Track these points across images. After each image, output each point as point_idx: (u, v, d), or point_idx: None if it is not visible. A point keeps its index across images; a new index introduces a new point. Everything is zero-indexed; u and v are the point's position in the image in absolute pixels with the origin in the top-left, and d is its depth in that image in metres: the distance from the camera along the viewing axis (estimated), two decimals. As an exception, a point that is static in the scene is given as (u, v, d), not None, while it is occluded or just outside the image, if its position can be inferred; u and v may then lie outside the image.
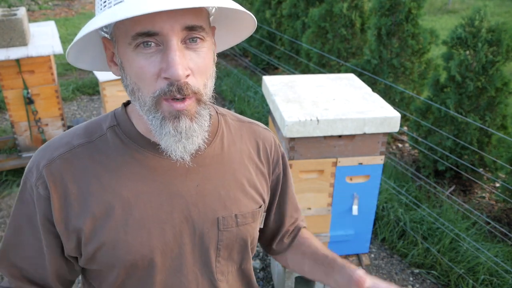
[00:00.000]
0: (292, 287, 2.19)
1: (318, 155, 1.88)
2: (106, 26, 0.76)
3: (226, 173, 0.88)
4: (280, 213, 1.05)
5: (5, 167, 3.44)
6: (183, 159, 0.77)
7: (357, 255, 2.13)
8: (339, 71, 4.34)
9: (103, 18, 0.67)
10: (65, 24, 8.60)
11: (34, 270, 0.85)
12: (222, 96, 5.24)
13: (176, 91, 0.70)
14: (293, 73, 4.94)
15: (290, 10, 5.08)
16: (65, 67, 6.14)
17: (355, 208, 1.98)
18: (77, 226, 0.78)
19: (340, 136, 1.85)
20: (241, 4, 6.09)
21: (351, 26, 4.26)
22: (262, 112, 4.51)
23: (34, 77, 3.27)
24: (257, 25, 0.82)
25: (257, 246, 2.85)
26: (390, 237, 2.86)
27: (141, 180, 0.81)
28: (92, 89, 5.40)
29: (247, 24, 0.84)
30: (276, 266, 2.37)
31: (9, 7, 8.86)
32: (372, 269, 2.69)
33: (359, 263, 2.11)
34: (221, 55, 6.30)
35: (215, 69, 0.80)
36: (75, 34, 7.77)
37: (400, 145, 4.09)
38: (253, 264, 2.69)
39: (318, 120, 1.77)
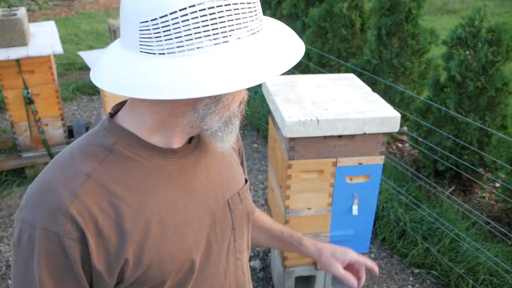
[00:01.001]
0: (292, 287, 2.19)
1: (318, 155, 1.88)
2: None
3: (218, 157, 0.91)
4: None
5: (5, 167, 3.44)
6: (227, 148, 0.80)
7: (357, 255, 2.13)
8: (339, 71, 4.34)
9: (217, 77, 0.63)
10: (65, 24, 8.60)
11: None
12: (222, 96, 5.24)
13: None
14: (293, 73, 4.94)
15: (290, 10, 5.08)
16: (65, 67, 6.14)
17: (355, 208, 1.98)
18: (120, 258, 0.72)
19: (340, 136, 1.85)
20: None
21: (351, 26, 4.26)
22: (262, 112, 4.51)
23: (34, 77, 3.27)
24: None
25: (257, 246, 2.86)
26: (390, 237, 2.86)
27: (162, 187, 0.78)
28: (92, 89, 5.40)
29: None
30: (276, 266, 2.37)
31: (9, 7, 8.86)
32: (372, 269, 2.69)
33: (359, 263, 2.12)
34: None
35: None
36: (75, 34, 7.78)
37: (400, 145, 4.09)
38: (253, 264, 2.69)
39: (318, 120, 1.77)
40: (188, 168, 0.83)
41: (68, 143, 3.57)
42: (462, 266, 2.53)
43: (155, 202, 0.77)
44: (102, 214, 0.71)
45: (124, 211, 0.73)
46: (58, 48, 3.24)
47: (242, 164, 1.08)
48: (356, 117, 1.80)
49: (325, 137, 1.84)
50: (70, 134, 3.73)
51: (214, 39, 0.63)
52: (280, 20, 5.47)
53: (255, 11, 0.67)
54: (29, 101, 3.29)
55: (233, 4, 0.63)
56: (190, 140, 0.85)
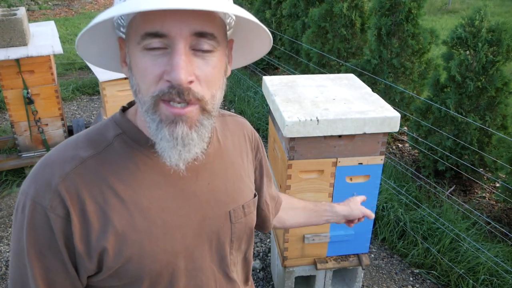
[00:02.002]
0: (292, 287, 2.19)
1: (318, 155, 1.88)
2: (123, 26, 0.75)
3: (227, 166, 0.90)
4: (269, 192, 1.12)
5: (5, 167, 3.44)
6: (178, 167, 0.75)
7: (357, 255, 2.13)
8: (339, 71, 4.34)
9: (113, 9, 0.64)
10: (65, 24, 8.60)
11: None
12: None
13: (175, 94, 0.68)
14: (293, 73, 4.94)
15: (290, 10, 5.08)
16: (65, 67, 6.14)
17: (355, 208, 1.98)
18: (100, 245, 0.73)
19: (340, 136, 1.85)
20: (240, 4, 6.09)
21: (351, 26, 4.26)
22: (262, 112, 4.51)
23: (34, 77, 3.27)
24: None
25: (257, 246, 2.85)
26: (390, 237, 2.86)
27: (157, 186, 0.79)
28: (92, 89, 5.40)
29: (262, 42, 0.83)
30: (276, 266, 2.37)
31: (9, 7, 8.86)
32: (372, 269, 2.69)
33: (359, 263, 2.12)
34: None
35: (225, 81, 0.78)
36: (75, 34, 7.77)
37: (400, 145, 4.09)
38: (253, 264, 2.69)
39: (318, 120, 1.77)
40: (189, 172, 0.82)
41: (68, 143, 3.56)
42: (462, 266, 2.53)
43: (146, 198, 0.77)
44: (90, 198, 0.73)
45: (112, 200, 0.75)
46: (58, 48, 3.24)
47: (262, 178, 1.06)
48: (356, 117, 1.79)
49: (325, 137, 1.84)
50: (70, 134, 3.73)
51: None
52: (280, 20, 5.48)
53: None
54: (29, 101, 3.29)
55: None
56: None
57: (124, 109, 0.84)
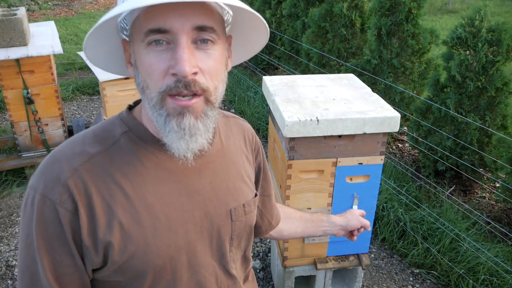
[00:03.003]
0: (292, 287, 2.19)
1: (318, 155, 1.88)
2: (126, 29, 0.78)
3: (229, 166, 0.92)
4: (265, 197, 1.13)
5: (5, 167, 3.44)
6: (186, 158, 0.78)
7: (357, 255, 2.13)
8: (339, 71, 4.34)
9: (119, 7, 0.67)
10: (65, 24, 8.60)
11: None
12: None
13: (183, 87, 0.71)
14: (293, 73, 4.94)
15: (290, 10, 5.08)
16: (65, 67, 6.14)
17: (355, 208, 1.97)
18: (106, 239, 0.75)
19: (340, 136, 1.85)
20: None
21: (351, 26, 4.26)
22: (262, 112, 4.50)
23: (34, 77, 3.26)
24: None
25: (257, 246, 2.86)
26: (390, 237, 2.86)
27: (162, 182, 0.81)
28: (92, 89, 5.40)
29: (259, 35, 0.87)
30: (276, 266, 2.37)
31: (9, 7, 8.86)
32: (372, 269, 2.69)
33: (359, 263, 2.11)
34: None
35: (226, 74, 0.81)
36: (75, 34, 7.77)
37: (400, 145, 4.09)
38: (253, 264, 2.69)
39: (318, 120, 1.77)
40: (193, 170, 0.84)
41: (68, 143, 3.56)
42: (462, 266, 2.53)
43: (151, 195, 0.79)
44: (97, 193, 0.76)
45: (118, 196, 0.77)
46: (58, 48, 3.24)
47: (258, 181, 1.07)
48: (356, 117, 1.79)
49: (325, 137, 1.84)
50: (70, 134, 3.73)
51: None
52: (280, 20, 5.48)
53: None
54: (29, 101, 3.29)
55: None
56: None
57: (130, 108, 0.87)
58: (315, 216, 1.26)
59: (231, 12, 0.82)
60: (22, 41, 3.21)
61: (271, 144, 2.29)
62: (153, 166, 0.81)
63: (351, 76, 2.31)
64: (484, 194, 3.34)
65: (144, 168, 0.80)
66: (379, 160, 1.92)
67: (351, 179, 1.95)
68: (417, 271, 2.68)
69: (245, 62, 6.23)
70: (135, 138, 0.82)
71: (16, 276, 2.55)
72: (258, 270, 2.65)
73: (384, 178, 3.21)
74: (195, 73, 0.72)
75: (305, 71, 4.79)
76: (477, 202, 3.25)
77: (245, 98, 4.89)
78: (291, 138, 1.81)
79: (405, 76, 3.80)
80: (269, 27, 5.48)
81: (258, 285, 2.55)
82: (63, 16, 9.60)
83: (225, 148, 0.93)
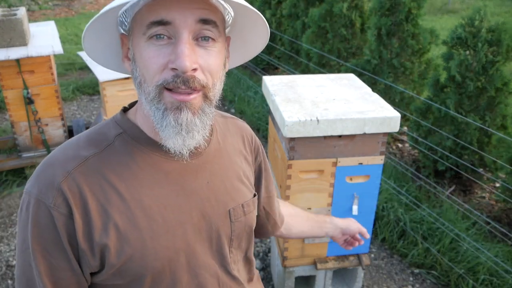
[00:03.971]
0: (292, 287, 2.19)
1: (318, 155, 1.88)
2: (125, 24, 0.77)
3: (227, 166, 0.91)
4: (269, 197, 1.12)
5: (5, 167, 3.44)
6: (181, 154, 0.77)
7: (357, 255, 2.13)
8: (339, 71, 4.34)
9: None
10: (65, 24, 8.60)
11: None
12: (222, 96, 5.23)
13: (181, 83, 0.71)
14: (293, 73, 4.93)
15: (290, 10, 5.08)
16: (65, 67, 6.14)
17: (355, 208, 1.98)
18: (102, 242, 0.75)
19: (340, 136, 1.85)
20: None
21: (351, 26, 4.26)
22: (262, 112, 4.50)
23: (34, 77, 3.27)
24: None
25: (257, 246, 2.86)
26: (390, 237, 2.86)
27: (158, 184, 0.80)
28: (92, 89, 5.40)
29: (258, 38, 0.87)
30: (276, 266, 2.37)
31: (9, 7, 8.86)
32: (372, 269, 2.69)
33: (359, 263, 2.12)
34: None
35: (224, 74, 0.81)
36: (75, 34, 7.77)
37: (400, 145, 4.09)
38: (253, 264, 2.68)
39: (318, 120, 1.77)
40: (189, 170, 0.83)
41: (68, 143, 3.56)
42: (462, 266, 2.53)
43: (147, 196, 0.78)
44: (91, 196, 0.75)
45: (113, 198, 0.76)
46: (58, 48, 3.24)
47: (260, 181, 1.06)
48: (356, 117, 1.80)
49: (325, 137, 1.84)
50: (70, 134, 3.73)
51: None
52: (280, 20, 5.47)
53: None
54: (29, 101, 3.29)
55: None
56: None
57: (125, 110, 0.86)
58: (320, 217, 1.28)
59: (232, 13, 0.81)
60: (22, 41, 3.22)
61: (271, 144, 2.29)
62: (148, 168, 0.80)
63: (351, 76, 2.31)
64: (484, 194, 3.34)
65: (140, 169, 0.79)
66: (379, 160, 1.92)
67: (351, 179, 1.95)
68: (417, 271, 2.68)
69: (245, 62, 6.24)
70: (129, 140, 0.81)
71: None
72: (258, 270, 2.65)
73: (384, 178, 3.21)
74: (194, 69, 0.72)
75: (305, 71, 4.79)
76: (477, 202, 3.25)
77: (245, 98, 4.89)
78: (291, 138, 1.82)
79: (405, 76, 3.80)
80: (269, 27, 5.46)
81: (258, 285, 2.54)
82: (63, 16, 9.60)
83: (222, 148, 0.92)
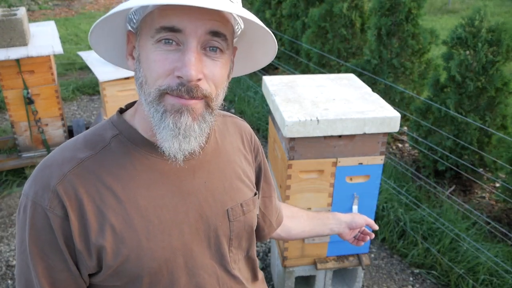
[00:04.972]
0: (292, 287, 2.19)
1: (318, 155, 1.88)
2: (134, 21, 0.77)
3: (225, 165, 0.91)
4: (265, 198, 1.11)
5: (5, 167, 3.44)
6: (176, 158, 0.77)
7: (357, 255, 2.13)
8: (339, 71, 4.34)
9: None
10: (65, 24, 8.59)
11: None
12: (222, 96, 5.24)
13: (185, 92, 0.71)
14: (293, 73, 4.94)
15: (290, 10, 5.08)
16: (65, 67, 6.14)
17: (355, 208, 1.98)
18: (98, 243, 0.75)
19: (340, 136, 1.85)
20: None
21: (351, 26, 4.26)
22: (262, 112, 4.50)
23: (34, 77, 3.26)
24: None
25: (257, 246, 2.86)
26: (390, 237, 2.86)
27: (154, 185, 0.80)
28: (92, 89, 5.40)
29: (264, 54, 0.86)
30: (276, 266, 2.37)
31: (9, 7, 8.86)
32: (372, 269, 2.69)
33: (359, 263, 2.11)
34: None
35: (227, 85, 0.81)
36: (75, 34, 7.77)
37: (400, 145, 4.09)
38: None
39: (318, 120, 1.77)
40: (186, 171, 0.83)
41: (68, 143, 3.56)
42: (462, 266, 2.53)
43: (143, 197, 0.79)
44: (87, 198, 0.75)
45: (109, 200, 0.76)
46: (58, 48, 3.24)
47: (259, 181, 1.05)
48: (356, 117, 1.80)
49: (325, 137, 1.84)
50: (70, 134, 3.73)
51: None
52: (280, 20, 5.47)
53: None
54: (29, 101, 3.29)
55: None
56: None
57: (121, 111, 0.86)
58: (321, 214, 1.25)
59: (242, 26, 0.81)
60: (22, 41, 3.21)
61: (271, 144, 2.29)
62: (145, 169, 0.80)
63: (351, 76, 2.31)
64: (484, 194, 3.34)
65: (136, 170, 0.79)
66: (379, 160, 1.92)
67: (351, 179, 1.95)
68: (417, 271, 2.68)
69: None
70: (125, 141, 0.81)
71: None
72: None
73: (384, 178, 3.21)
74: (199, 79, 0.72)
75: (305, 71, 4.79)
76: (477, 202, 3.25)
77: (245, 98, 4.89)
78: (291, 138, 1.82)
79: (405, 76, 3.80)
80: (269, 27, 5.48)
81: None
82: (63, 16, 9.60)
83: (220, 147, 0.92)
